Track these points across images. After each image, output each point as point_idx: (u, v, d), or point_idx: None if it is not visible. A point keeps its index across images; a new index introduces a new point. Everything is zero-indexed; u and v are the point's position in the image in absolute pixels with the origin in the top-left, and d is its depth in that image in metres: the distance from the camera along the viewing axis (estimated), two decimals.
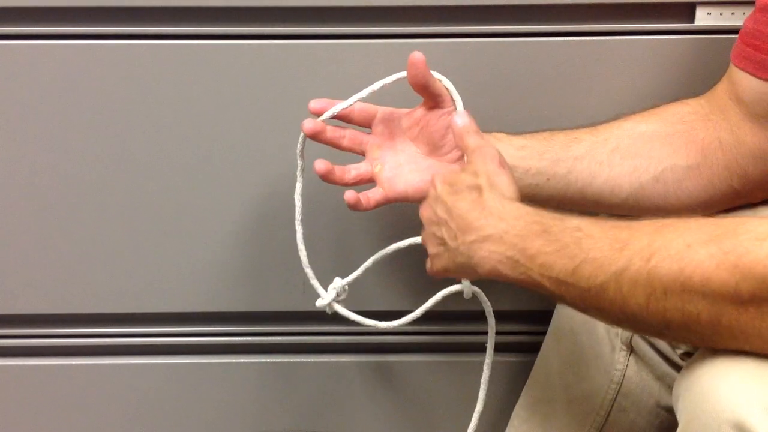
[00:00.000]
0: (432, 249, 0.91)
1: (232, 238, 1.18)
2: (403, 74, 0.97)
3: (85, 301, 1.20)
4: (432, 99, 0.97)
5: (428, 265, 0.93)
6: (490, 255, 0.83)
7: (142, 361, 1.24)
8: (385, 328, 1.05)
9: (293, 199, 1.05)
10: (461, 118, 0.95)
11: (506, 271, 0.83)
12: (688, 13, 1.10)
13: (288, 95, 1.10)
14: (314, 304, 1.19)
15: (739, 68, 0.94)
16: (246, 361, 1.24)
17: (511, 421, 1.09)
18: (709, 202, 0.98)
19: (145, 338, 1.23)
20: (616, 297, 0.76)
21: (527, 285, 0.83)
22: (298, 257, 1.07)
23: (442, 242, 0.89)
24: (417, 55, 0.95)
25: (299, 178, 1.03)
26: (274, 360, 1.24)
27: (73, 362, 1.24)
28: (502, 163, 0.90)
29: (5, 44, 1.10)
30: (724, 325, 0.72)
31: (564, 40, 1.11)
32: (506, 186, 0.88)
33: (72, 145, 1.14)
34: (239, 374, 1.24)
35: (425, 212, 0.92)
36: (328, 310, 1.06)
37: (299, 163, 1.02)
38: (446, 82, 0.98)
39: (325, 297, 1.06)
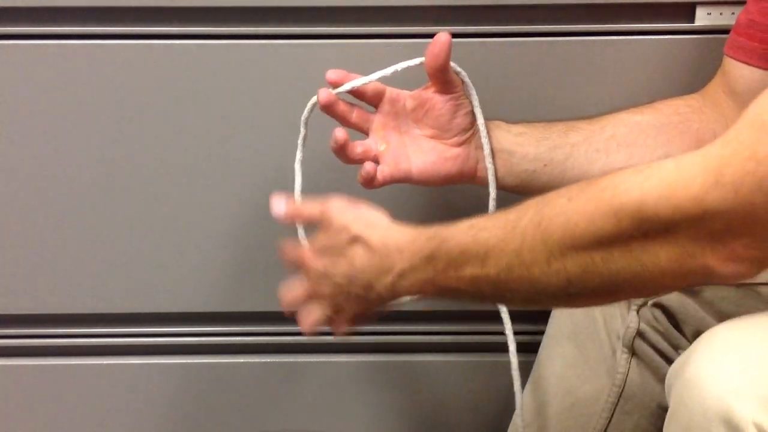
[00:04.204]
0: (345, 310, 0.90)
1: (232, 237, 1.18)
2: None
3: (85, 301, 1.20)
4: (442, 85, 0.97)
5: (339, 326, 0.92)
6: (411, 286, 0.84)
7: (142, 361, 1.24)
8: None
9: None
10: (278, 206, 0.94)
11: (430, 292, 0.84)
12: (688, 13, 1.10)
13: (288, 96, 1.10)
14: None
15: (732, 57, 0.97)
16: (246, 361, 1.24)
17: (513, 422, 1.09)
18: None
19: (145, 338, 1.23)
20: (522, 272, 0.76)
21: (450, 296, 0.83)
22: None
23: (357, 300, 0.88)
24: (444, 36, 0.94)
25: (300, 148, 1.01)
26: (274, 360, 1.24)
27: (73, 362, 1.23)
28: (352, 201, 0.89)
29: (5, 44, 1.10)
30: (617, 267, 0.72)
31: (564, 40, 1.11)
32: (375, 215, 0.88)
33: (72, 145, 1.14)
34: (239, 374, 1.24)
35: (317, 292, 0.90)
36: None
37: (302, 131, 1.00)
38: (464, 76, 0.98)
39: None
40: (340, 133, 0.96)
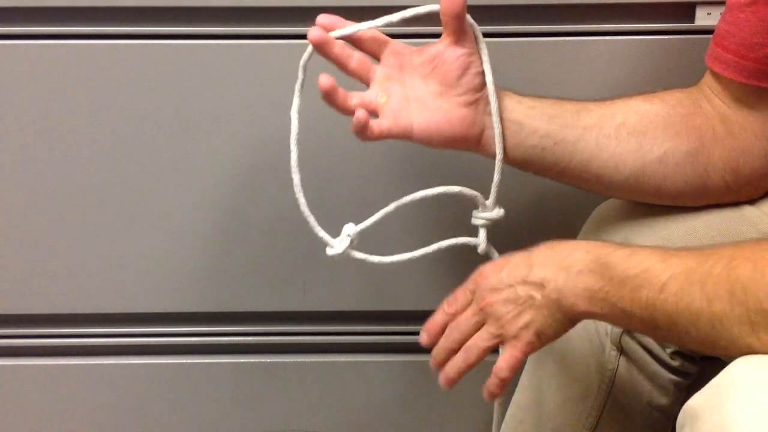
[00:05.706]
0: (516, 324, 0.88)
1: (232, 237, 1.18)
2: (435, 7, 0.91)
3: (84, 301, 1.20)
4: (455, 34, 0.92)
5: (517, 348, 0.89)
6: (581, 291, 0.83)
7: (141, 361, 1.24)
8: (378, 262, 0.97)
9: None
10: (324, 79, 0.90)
11: (599, 306, 0.82)
12: (688, 13, 1.10)
13: (286, 97, 1.10)
14: (314, 304, 1.19)
15: (710, 68, 0.95)
16: (245, 361, 1.24)
17: (505, 421, 1.09)
18: (703, 190, 0.98)
19: (145, 338, 1.23)
20: (702, 304, 0.75)
21: (620, 318, 0.82)
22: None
23: (528, 305, 0.87)
24: None
25: (297, 94, 0.93)
26: (273, 360, 1.24)
27: (73, 362, 1.24)
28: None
29: (5, 44, 1.10)
30: None
31: (564, 40, 1.11)
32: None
33: (71, 145, 1.14)
34: (238, 374, 1.24)
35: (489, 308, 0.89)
36: (336, 257, 0.96)
37: (300, 76, 0.93)
38: (477, 30, 0.93)
39: (336, 245, 0.95)
40: (324, 80, 0.90)
